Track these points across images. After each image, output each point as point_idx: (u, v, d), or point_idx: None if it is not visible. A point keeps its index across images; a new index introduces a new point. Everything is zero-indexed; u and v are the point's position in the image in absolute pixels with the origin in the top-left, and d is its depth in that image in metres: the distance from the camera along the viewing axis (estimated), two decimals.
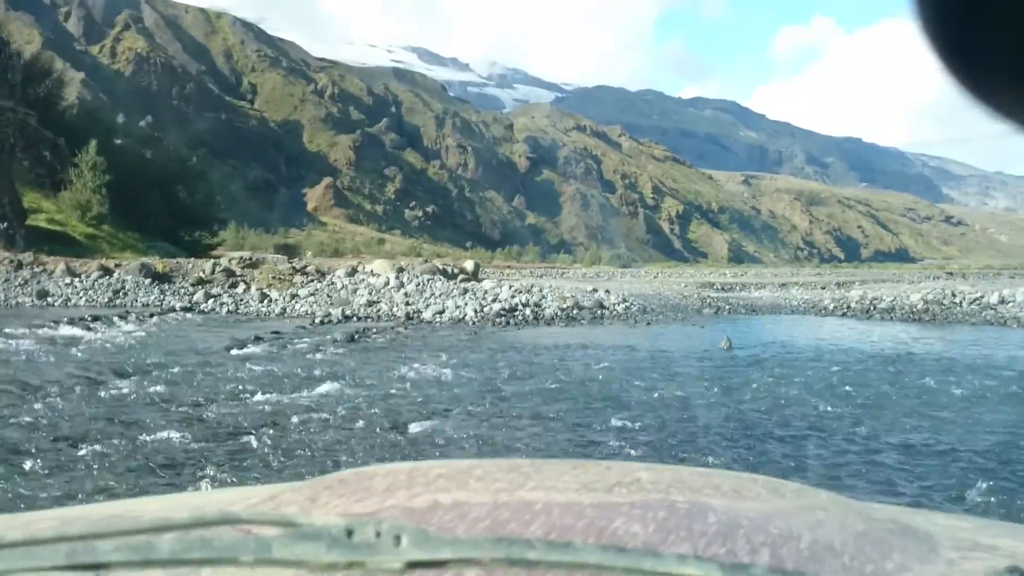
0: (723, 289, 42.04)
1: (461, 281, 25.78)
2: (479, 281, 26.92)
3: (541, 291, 24.88)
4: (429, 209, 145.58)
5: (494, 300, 22.33)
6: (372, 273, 26.18)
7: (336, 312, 20.00)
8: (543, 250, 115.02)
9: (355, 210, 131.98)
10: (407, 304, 21.36)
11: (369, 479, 1.05)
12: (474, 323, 19.43)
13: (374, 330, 17.13)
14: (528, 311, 21.40)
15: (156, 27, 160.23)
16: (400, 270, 26.83)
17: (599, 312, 22.81)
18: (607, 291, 27.66)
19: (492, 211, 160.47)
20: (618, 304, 24.39)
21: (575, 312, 22.13)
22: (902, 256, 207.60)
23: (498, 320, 19.95)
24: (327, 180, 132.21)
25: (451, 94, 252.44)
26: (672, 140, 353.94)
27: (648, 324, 21.02)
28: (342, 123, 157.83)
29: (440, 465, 1.13)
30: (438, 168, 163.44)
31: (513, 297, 23.02)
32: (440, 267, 28.84)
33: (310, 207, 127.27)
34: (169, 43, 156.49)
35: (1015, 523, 0.92)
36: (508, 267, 73.70)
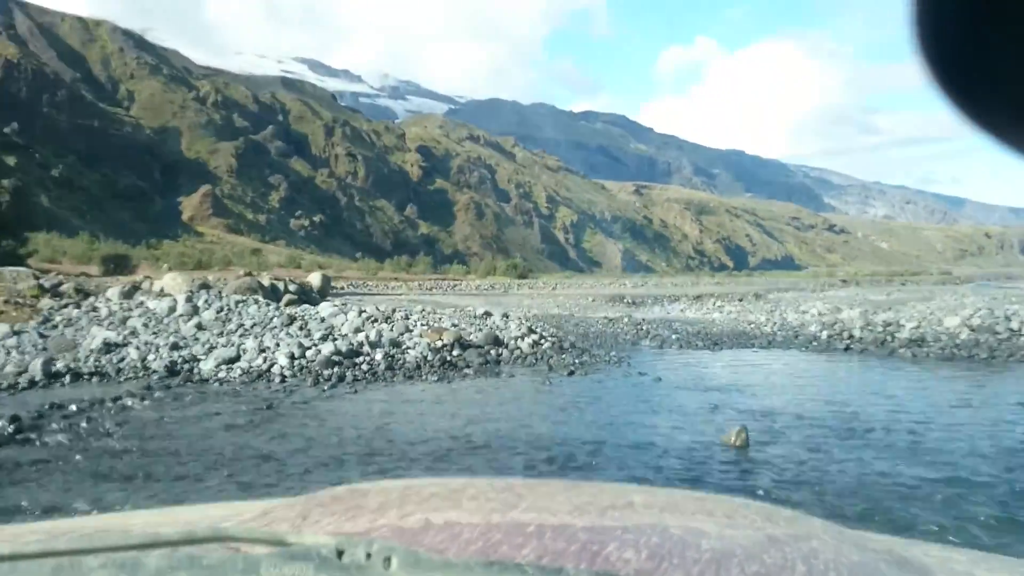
0: (635, 303, 36.23)
1: (289, 304, 18.64)
2: (322, 303, 20.26)
3: (407, 319, 17.67)
4: (316, 218, 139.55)
5: (328, 337, 14.98)
6: (161, 292, 19.52)
7: (36, 368, 11.71)
8: (437, 260, 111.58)
9: (236, 219, 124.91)
10: (178, 348, 13.80)
11: (363, 496, 1.03)
12: (285, 380, 12.31)
13: (74, 407, 9.69)
14: (379, 356, 13.99)
15: (30, 34, 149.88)
16: (204, 287, 20.27)
17: (493, 353, 15.33)
18: (504, 315, 20.58)
19: (383, 221, 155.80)
20: (521, 338, 16.89)
21: (454, 356, 14.83)
22: (788, 264, 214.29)
23: (326, 374, 12.65)
24: (205, 188, 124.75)
25: (342, 104, 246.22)
26: (565, 151, 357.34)
27: (570, 373, 13.81)
28: (224, 130, 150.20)
29: (433, 483, 1.11)
30: (327, 177, 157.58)
31: (359, 332, 15.66)
32: (266, 283, 21.21)
33: (186, 216, 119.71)
34: (43, 50, 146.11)
35: (1010, 556, 0.94)
36: (395, 279, 69.65)
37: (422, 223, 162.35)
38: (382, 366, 13.47)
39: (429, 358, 14.44)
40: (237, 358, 13.28)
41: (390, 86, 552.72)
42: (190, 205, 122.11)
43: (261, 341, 14.34)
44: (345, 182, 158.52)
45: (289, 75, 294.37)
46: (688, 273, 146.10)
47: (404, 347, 15.03)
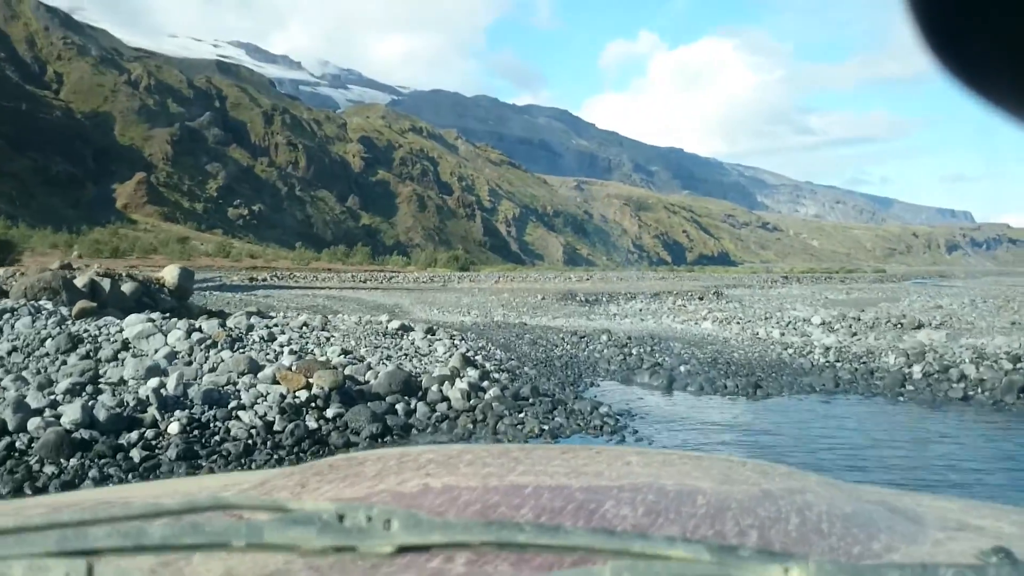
0: (591, 302, 31.23)
1: (82, 316, 11.76)
2: (130, 315, 11.40)
3: (272, 340, 11.12)
4: (255, 208, 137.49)
5: (87, 386, 8.21)
6: None
7: None
8: (378, 252, 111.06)
9: (172, 208, 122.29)
10: None
11: (360, 464, 1.04)
12: None
13: None
14: (174, 427, 7.37)
15: None
16: None
17: (401, 411, 8.71)
18: (429, 331, 14.05)
19: (324, 211, 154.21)
20: (452, 378, 9.79)
21: (326, 420, 8.17)
22: (724, 259, 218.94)
23: (48, 472, 6.36)
24: (140, 175, 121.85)
25: (281, 92, 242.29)
26: (508, 145, 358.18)
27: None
28: (159, 116, 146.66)
29: (430, 450, 1.12)
30: (266, 166, 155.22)
31: (170, 369, 8.88)
32: (85, 279, 14.39)
33: (120, 204, 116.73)
34: None
35: (1001, 504, 0.92)
36: (329, 270, 66.53)
37: (364, 214, 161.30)
38: (176, 449, 6.91)
39: (276, 427, 7.77)
40: None
41: (331, 74, 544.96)
42: (125, 192, 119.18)
43: None
44: (285, 172, 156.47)
45: (225, 59, 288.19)
46: (628, 267, 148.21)
47: (233, 404, 8.08)
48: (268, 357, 10.24)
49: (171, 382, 8.22)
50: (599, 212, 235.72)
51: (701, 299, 33.34)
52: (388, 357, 11.29)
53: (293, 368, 9.07)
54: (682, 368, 12.98)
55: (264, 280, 49.74)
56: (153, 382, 8.23)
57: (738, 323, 20.80)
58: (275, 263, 71.52)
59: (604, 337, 16.86)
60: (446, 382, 9.68)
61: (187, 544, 0.55)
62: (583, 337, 17.06)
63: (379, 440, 8.04)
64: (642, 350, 15.21)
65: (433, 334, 13.96)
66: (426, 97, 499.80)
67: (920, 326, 19.24)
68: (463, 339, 14.27)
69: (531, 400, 9.58)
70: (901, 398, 11.29)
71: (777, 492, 0.95)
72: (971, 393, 11.25)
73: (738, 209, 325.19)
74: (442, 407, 9.10)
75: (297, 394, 8.53)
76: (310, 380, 8.71)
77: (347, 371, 9.59)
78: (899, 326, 19.24)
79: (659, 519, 0.79)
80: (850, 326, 19.27)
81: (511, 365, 12.55)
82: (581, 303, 30.91)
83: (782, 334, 17.88)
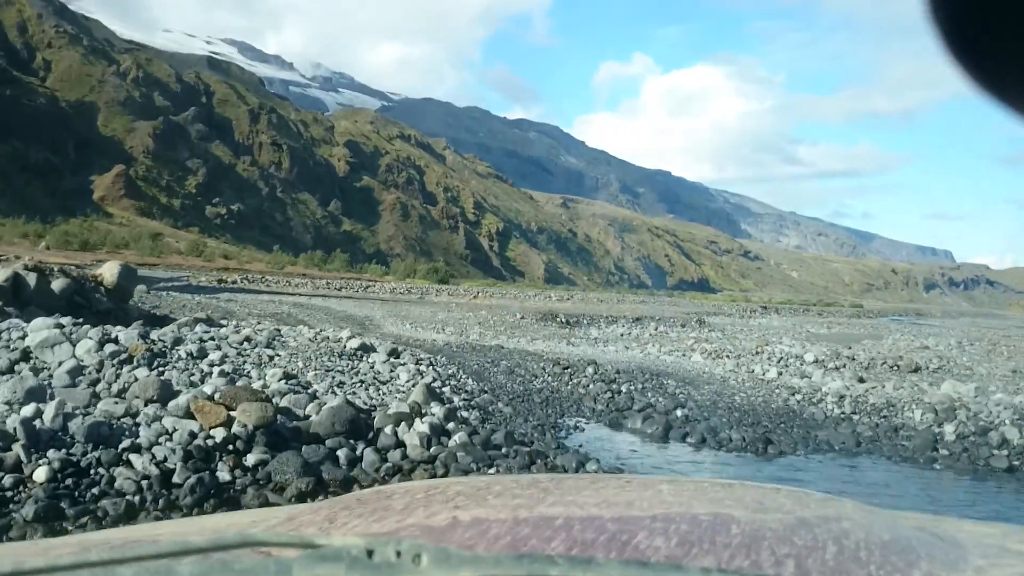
0: (572, 323, 29.89)
1: None
2: (35, 319, 9.64)
3: (200, 359, 9.23)
4: (235, 207, 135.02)
5: None
6: None
7: None
8: (357, 259, 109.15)
9: (148, 202, 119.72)
10: None
11: (388, 498, 1.04)
12: None
13: None
14: (42, 474, 5.62)
15: None
16: None
17: (343, 459, 7.00)
18: (392, 353, 12.11)
19: (305, 214, 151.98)
20: (412, 416, 8.02)
21: (244, 468, 6.43)
22: (704, 286, 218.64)
23: None
24: (119, 168, 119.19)
25: (271, 91, 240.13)
26: (496, 158, 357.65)
27: None
28: (144, 108, 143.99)
29: (458, 482, 1.12)
30: (248, 165, 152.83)
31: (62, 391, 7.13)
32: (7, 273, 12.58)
33: (97, 196, 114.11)
34: None
35: None
36: (304, 275, 64.86)
37: (345, 220, 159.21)
38: (35, 505, 5.24)
39: (176, 479, 5.97)
40: None
41: (322, 76, 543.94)
42: (102, 184, 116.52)
43: None
44: (268, 172, 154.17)
45: (216, 56, 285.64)
46: (609, 288, 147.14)
47: (126, 444, 6.29)
48: (192, 379, 8.46)
49: (49, 411, 6.38)
50: (583, 231, 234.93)
51: (683, 327, 32.51)
52: (340, 384, 9.46)
53: (215, 397, 7.27)
54: (679, 412, 11.41)
55: (234, 283, 47.53)
56: (28, 410, 6.40)
57: (730, 357, 19.03)
58: (249, 265, 69.54)
59: (590, 370, 14.75)
60: (403, 422, 7.91)
61: None
62: (566, 368, 14.98)
63: (307, 499, 6.04)
64: (632, 387, 13.41)
65: (397, 357, 12.08)
66: (417, 105, 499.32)
67: (917, 369, 18.34)
68: (431, 364, 12.41)
69: (504, 450, 7.89)
70: (936, 464, 9.67)
71: (813, 520, 0.93)
72: (1016, 463, 9.53)
73: (721, 236, 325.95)
74: (395, 455, 7.33)
75: (212, 432, 6.69)
76: (232, 414, 6.90)
77: (284, 402, 7.92)
78: (896, 368, 18.13)
79: (693, 549, 0.78)
80: (844, 365, 17.94)
81: (483, 400, 10.73)
82: (561, 324, 29.67)
83: (780, 373, 16.05)
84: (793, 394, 13.52)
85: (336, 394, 8.66)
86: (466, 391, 11.07)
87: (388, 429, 7.73)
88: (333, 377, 9.82)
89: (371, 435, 7.62)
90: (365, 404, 8.53)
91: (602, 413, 11.54)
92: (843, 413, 12.02)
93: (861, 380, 15.49)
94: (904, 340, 30.50)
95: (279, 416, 7.27)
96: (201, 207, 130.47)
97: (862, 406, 12.42)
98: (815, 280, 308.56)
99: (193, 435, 6.63)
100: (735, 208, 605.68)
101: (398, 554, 0.55)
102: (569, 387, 13.32)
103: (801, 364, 18.03)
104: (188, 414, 6.91)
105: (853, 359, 19.20)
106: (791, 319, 54.10)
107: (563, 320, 30.88)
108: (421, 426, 7.85)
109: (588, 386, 13.32)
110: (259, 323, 15.54)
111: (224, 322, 14.43)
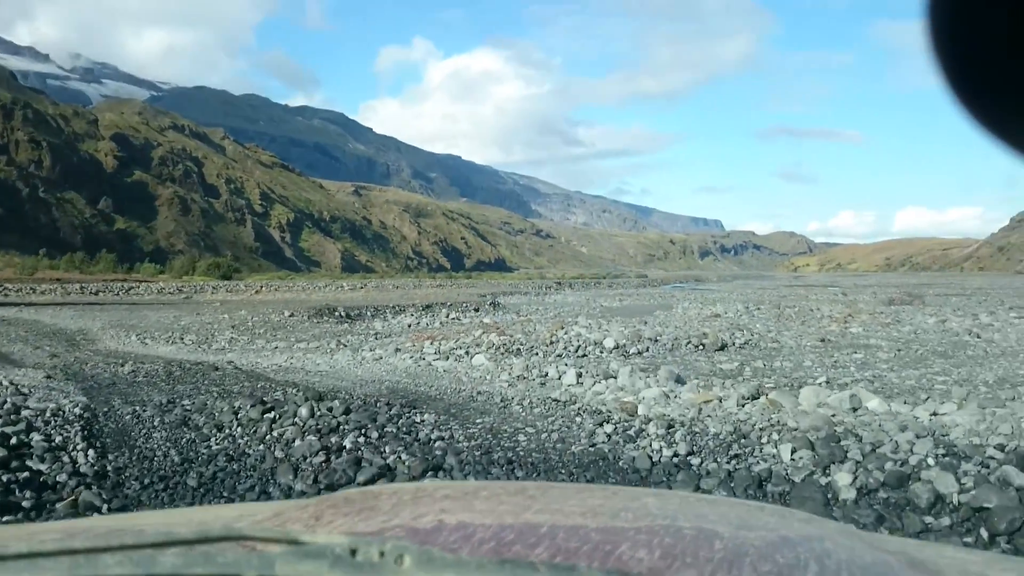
0: (350, 317, 25.77)
1: None
2: None
3: None
4: None
5: None
6: None
7: None
8: (133, 258, 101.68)
9: None
10: None
11: (374, 498, 1.04)
12: None
13: None
14: None
15: None
16: None
17: None
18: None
19: (72, 215, 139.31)
20: None
21: None
22: (501, 266, 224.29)
23: None
24: None
25: (25, 84, 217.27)
26: (280, 147, 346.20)
27: None
28: None
29: (446, 486, 1.13)
30: (5, 165, 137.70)
31: None
32: None
33: None
34: None
35: None
36: (59, 280, 55.44)
37: (118, 218, 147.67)
38: None
39: None
40: None
41: (83, 68, 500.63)
42: None
43: None
44: (27, 171, 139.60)
45: None
46: (408, 274, 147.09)
47: None
48: None
49: None
50: (378, 218, 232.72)
51: (477, 311, 30.39)
52: None
53: None
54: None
55: None
56: None
57: (521, 353, 14.73)
58: None
59: (304, 411, 8.19)
60: None
61: (199, 574, 0.54)
62: (268, 410, 8.44)
63: None
64: (364, 437, 7.44)
65: None
66: (189, 94, 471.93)
67: (724, 346, 15.86)
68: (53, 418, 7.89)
69: None
70: None
71: (796, 539, 0.93)
72: (962, 528, 5.23)
73: (514, 216, 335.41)
74: None
75: None
76: None
77: None
78: (702, 347, 15.86)
79: (675, 563, 0.78)
80: (647, 349, 15.56)
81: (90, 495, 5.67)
82: (339, 319, 25.61)
83: (579, 378, 11.07)
84: (601, 424, 8.31)
85: None
86: (78, 470, 5.99)
87: None
88: None
89: None
90: None
91: (303, 495, 5.99)
92: (676, 456, 7.15)
93: (679, 381, 10.71)
94: (694, 308, 30.06)
95: None
96: None
97: (700, 439, 7.64)
98: (603, 254, 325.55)
99: None
100: (524, 189, 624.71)
101: (381, 554, 0.56)
102: (266, 442, 7.56)
103: (602, 352, 15.05)
104: None
105: (656, 340, 16.59)
106: (584, 293, 54.90)
107: (342, 314, 26.85)
108: None
109: (294, 441, 7.51)
110: None
111: None
